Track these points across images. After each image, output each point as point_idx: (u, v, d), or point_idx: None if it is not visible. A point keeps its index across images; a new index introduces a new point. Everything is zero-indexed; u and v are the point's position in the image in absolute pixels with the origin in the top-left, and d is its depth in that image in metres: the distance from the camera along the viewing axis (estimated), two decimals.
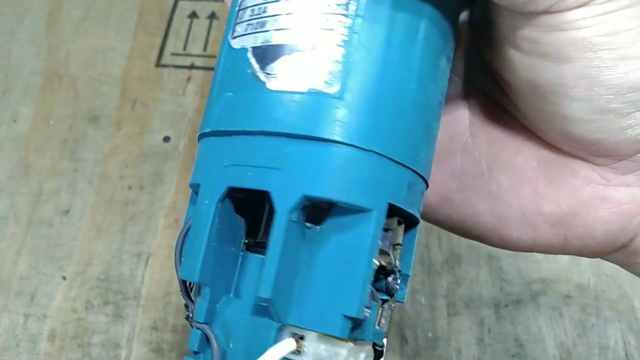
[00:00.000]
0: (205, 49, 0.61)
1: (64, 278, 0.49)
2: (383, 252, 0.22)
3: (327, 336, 0.20)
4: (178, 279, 0.22)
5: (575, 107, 0.22)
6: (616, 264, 0.27)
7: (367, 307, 0.20)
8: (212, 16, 0.63)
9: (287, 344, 0.20)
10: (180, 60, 0.61)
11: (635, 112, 0.22)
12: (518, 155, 0.26)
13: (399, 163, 0.21)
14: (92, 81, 0.59)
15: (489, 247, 0.49)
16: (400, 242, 0.22)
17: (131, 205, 0.52)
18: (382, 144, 0.20)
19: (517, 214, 0.26)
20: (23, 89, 0.59)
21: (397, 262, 0.22)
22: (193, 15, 0.64)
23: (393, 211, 0.21)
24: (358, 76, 0.20)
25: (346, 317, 0.20)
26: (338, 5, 0.21)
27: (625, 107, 0.22)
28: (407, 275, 0.23)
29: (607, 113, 0.22)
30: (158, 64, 0.61)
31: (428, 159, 0.23)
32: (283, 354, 0.20)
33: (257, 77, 0.21)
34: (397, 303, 0.23)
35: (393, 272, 0.22)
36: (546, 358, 0.45)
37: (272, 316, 0.20)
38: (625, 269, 0.27)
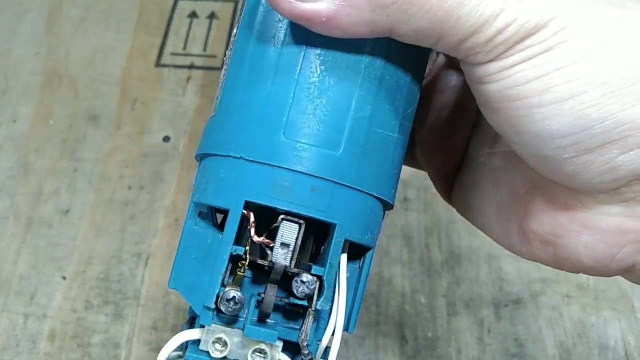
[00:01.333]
0: (205, 49, 0.61)
1: (64, 278, 0.49)
2: (262, 251, 0.24)
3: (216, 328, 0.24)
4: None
5: (518, 150, 0.23)
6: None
7: (230, 301, 0.23)
8: (212, 16, 0.63)
9: (191, 333, 0.24)
10: (180, 60, 0.61)
11: (571, 158, 0.21)
12: (516, 173, 0.27)
13: (255, 162, 0.23)
14: (92, 81, 0.59)
15: (489, 247, 0.50)
16: (290, 242, 0.23)
17: (131, 205, 0.52)
18: (235, 147, 0.23)
19: (516, 227, 0.27)
20: (23, 89, 0.59)
21: (289, 262, 0.23)
22: (193, 15, 0.64)
23: (301, 217, 0.23)
24: (224, 95, 0.24)
25: (205, 306, 0.23)
26: (232, 42, 0.25)
27: (558, 154, 0.21)
28: (325, 281, 0.23)
29: (544, 159, 0.22)
30: (158, 64, 0.61)
31: (328, 156, 0.23)
32: (184, 340, 0.24)
33: None
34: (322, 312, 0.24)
35: (297, 275, 0.23)
36: (546, 358, 0.45)
37: None
38: None
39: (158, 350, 0.46)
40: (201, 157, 0.25)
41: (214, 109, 0.25)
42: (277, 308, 0.25)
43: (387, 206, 0.26)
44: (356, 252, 0.25)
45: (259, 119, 0.23)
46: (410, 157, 0.32)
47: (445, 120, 0.31)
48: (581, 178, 0.22)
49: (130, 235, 0.51)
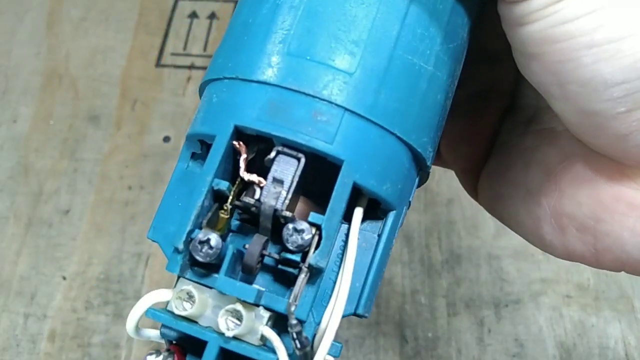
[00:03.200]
0: (205, 49, 0.61)
1: (64, 278, 0.49)
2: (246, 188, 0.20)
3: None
4: None
5: (559, 107, 0.20)
6: None
7: (204, 244, 0.19)
8: (212, 16, 0.63)
9: (161, 293, 0.20)
10: (180, 60, 0.61)
11: (626, 112, 0.18)
12: (551, 148, 0.23)
13: (250, 81, 0.19)
14: (92, 81, 0.59)
15: (489, 247, 0.50)
16: (283, 178, 0.19)
17: (131, 205, 0.52)
18: (231, 67, 0.20)
19: (546, 213, 0.23)
20: (23, 89, 0.59)
21: (280, 203, 0.19)
22: (193, 15, 0.64)
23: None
24: (230, 22, 0.22)
25: (174, 248, 0.19)
26: None
27: (609, 107, 0.18)
28: (324, 229, 0.19)
29: (591, 116, 0.19)
30: (158, 64, 0.61)
31: (338, 75, 0.19)
32: (153, 300, 0.20)
33: None
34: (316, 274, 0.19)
35: (290, 221, 0.19)
36: (546, 358, 0.45)
37: None
38: None
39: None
40: (201, 93, 0.22)
41: None
42: (268, 270, 0.20)
43: (419, 161, 0.21)
44: (376, 215, 0.21)
45: (261, 34, 0.19)
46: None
47: (473, 103, 0.27)
48: (635, 139, 0.19)
49: (130, 235, 0.51)
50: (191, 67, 0.60)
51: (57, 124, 0.57)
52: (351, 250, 0.20)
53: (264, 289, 0.19)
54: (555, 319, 0.47)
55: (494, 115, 0.27)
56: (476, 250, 0.50)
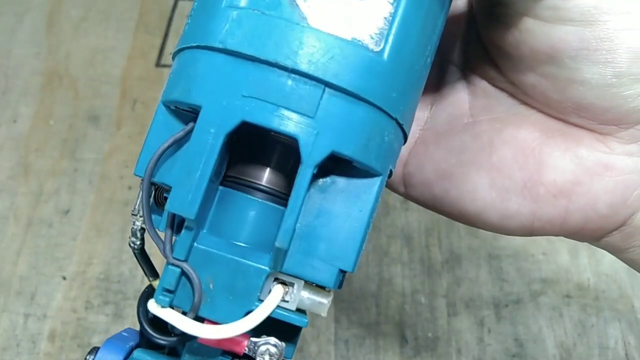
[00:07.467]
0: None
1: (64, 278, 0.49)
2: None
3: (310, 284, 0.21)
4: (144, 203, 0.22)
5: (594, 71, 0.23)
6: (612, 250, 0.27)
7: None
8: None
9: (277, 293, 0.20)
10: None
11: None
12: (520, 129, 0.26)
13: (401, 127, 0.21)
14: (92, 81, 0.59)
15: (489, 247, 0.50)
16: None
17: (131, 205, 0.52)
18: (394, 107, 0.20)
19: (519, 185, 0.26)
20: (23, 89, 0.59)
21: None
22: None
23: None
24: (397, 38, 0.20)
25: (341, 270, 0.20)
26: None
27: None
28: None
29: (625, 76, 0.22)
30: (158, 64, 0.61)
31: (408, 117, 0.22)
32: (276, 303, 0.20)
33: (296, 4, 0.19)
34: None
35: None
36: (546, 358, 0.45)
37: (263, 261, 0.20)
38: (620, 256, 0.27)
39: None
40: None
41: None
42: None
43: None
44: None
45: (412, 80, 0.21)
46: None
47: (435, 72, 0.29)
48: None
49: None
50: None
51: (57, 124, 0.57)
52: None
53: None
54: (555, 319, 0.47)
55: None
56: (476, 250, 0.50)
